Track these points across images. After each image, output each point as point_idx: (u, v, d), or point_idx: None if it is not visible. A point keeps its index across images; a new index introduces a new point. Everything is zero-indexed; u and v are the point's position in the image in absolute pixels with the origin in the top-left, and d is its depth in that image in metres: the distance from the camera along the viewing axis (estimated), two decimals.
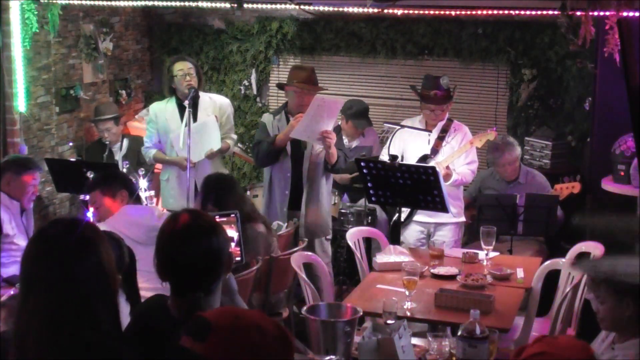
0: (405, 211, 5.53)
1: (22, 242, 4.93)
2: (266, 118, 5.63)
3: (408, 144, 5.60)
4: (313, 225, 5.47)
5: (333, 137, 5.25)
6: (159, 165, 6.10)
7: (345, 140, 6.45)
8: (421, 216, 5.56)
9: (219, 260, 2.42)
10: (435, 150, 5.54)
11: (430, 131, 5.54)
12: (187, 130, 5.35)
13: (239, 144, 7.36)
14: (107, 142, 6.64)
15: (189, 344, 1.79)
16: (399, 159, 5.31)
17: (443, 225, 5.54)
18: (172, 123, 5.71)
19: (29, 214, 5.24)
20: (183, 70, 5.65)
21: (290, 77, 5.53)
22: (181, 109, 5.64)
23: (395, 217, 5.47)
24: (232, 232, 3.42)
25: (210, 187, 4.66)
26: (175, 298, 2.42)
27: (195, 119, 5.58)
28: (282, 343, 1.83)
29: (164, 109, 5.78)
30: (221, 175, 4.84)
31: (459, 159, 5.50)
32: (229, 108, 5.90)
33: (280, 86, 5.74)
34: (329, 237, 5.66)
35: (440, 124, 5.58)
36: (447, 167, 5.38)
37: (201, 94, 5.77)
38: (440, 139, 5.56)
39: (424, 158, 5.52)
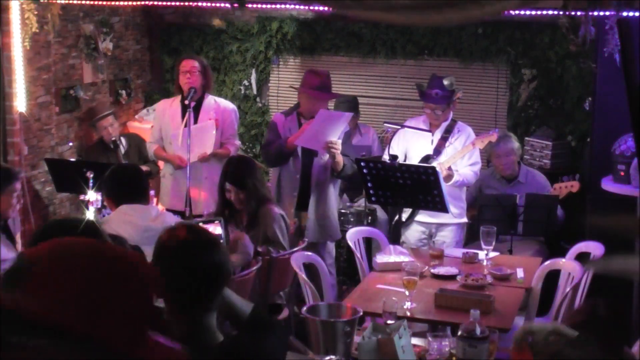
0: (406, 211, 5.52)
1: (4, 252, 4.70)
2: (277, 117, 5.59)
3: (411, 144, 5.58)
4: (321, 228, 5.46)
5: (338, 147, 5.22)
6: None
7: None
8: (423, 216, 5.54)
9: (222, 274, 2.35)
10: (438, 151, 5.52)
11: (432, 132, 5.53)
12: (187, 131, 5.37)
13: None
14: (114, 138, 6.52)
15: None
16: (402, 159, 5.31)
17: (445, 226, 5.52)
18: (173, 121, 5.73)
19: (15, 220, 4.99)
20: (185, 67, 5.65)
21: (303, 81, 5.49)
22: (184, 109, 5.65)
23: (396, 218, 5.46)
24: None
25: (230, 165, 4.86)
26: (174, 315, 2.32)
27: (196, 121, 5.58)
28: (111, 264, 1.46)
29: (169, 107, 5.82)
30: (243, 156, 5.00)
31: (461, 160, 5.47)
32: (233, 114, 5.86)
33: (296, 88, 5.67)
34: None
35: (445, 124, 5.55)
36: (449, 168, 5.36)
37: (207, 96, 5.77)
38: (444, 139, 5.53)
39: (427, 158, 5.50)
